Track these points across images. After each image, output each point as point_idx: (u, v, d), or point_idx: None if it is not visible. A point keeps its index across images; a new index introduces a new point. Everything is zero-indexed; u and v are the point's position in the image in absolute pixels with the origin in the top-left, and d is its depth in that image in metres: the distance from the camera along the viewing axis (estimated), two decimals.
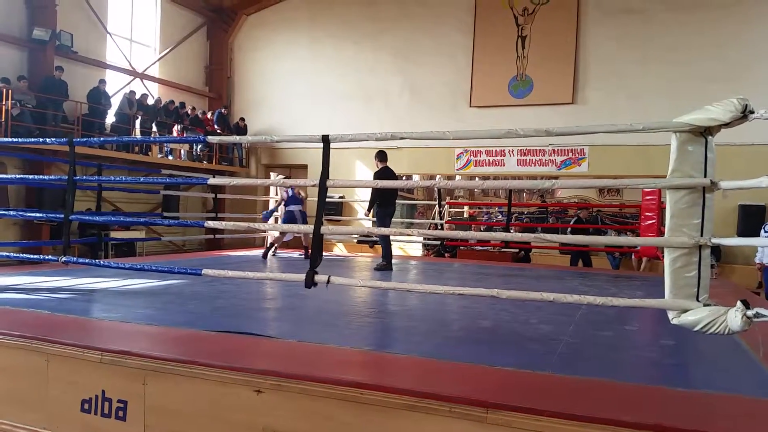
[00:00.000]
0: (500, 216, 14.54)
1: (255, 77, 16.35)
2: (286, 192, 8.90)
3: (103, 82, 12.82)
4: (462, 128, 11.75)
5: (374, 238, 8.03)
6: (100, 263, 4.98)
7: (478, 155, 13.98)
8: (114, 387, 2.89)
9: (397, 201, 8.19)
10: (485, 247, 11.88)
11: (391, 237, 8.73)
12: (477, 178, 14.29)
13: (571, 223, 11.02)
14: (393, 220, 8.07)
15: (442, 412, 2.29)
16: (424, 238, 11.65)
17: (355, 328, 3.91)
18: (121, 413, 2.88)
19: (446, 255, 11.57)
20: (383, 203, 7.56)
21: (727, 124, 2.67)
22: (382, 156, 7.62)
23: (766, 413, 2.21)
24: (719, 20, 12.13)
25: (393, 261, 7.89)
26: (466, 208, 17.71)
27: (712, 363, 3.22)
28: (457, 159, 14.09)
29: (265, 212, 9.54)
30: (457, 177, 14.83)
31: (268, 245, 9.35)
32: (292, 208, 8.77)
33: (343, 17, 15.27)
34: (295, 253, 9.80)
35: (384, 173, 7.53)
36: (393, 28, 14.71)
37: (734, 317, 2.55)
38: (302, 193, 9.13)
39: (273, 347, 3.16)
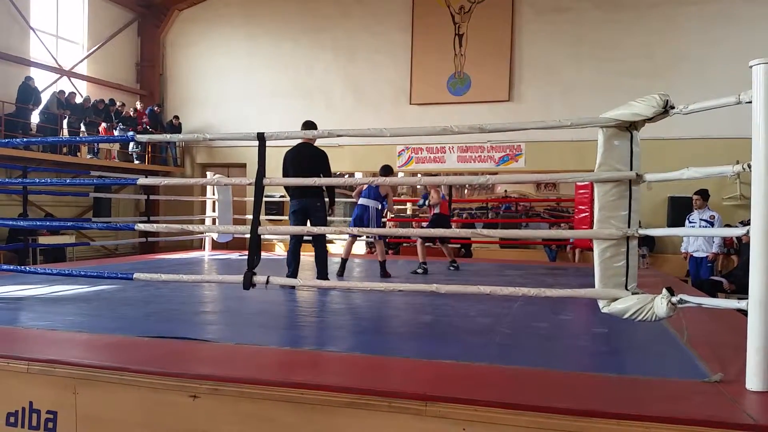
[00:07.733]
0: None
1: (189, 74, 15.94)
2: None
3: (30, 78, 12.20)
4: (403, 125, 11.85)
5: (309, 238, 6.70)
6: (26, 269, 4.76)
7: (419, 152, 14.11)
8: (42, 398, 2.75)
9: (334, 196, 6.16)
10: (427, 244, 11.98)
11: (331, 235, 8.33)
12: (419, 175, 14.41)
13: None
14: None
15: (381, 407, 2.29)
16: (367, 236, 11.64)
17: (296, 329, 3.87)
18: (50, 425, 2.75)
19: (389, 252, 11.62)
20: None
21: (650, 119, 2.77)
22: (305, 125, 5.60)
23: (690, 394, 2.32)
24: (646, 18, 12.68)
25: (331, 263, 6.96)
26: (408, 204, 17.82)
27: (641, 349, 3.35)
28: (398, 156, 14.17)
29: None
30: (400, 174, 14.91)
31: (343, 257, 7.09)
32: (366, 202, 6.93)
33: (280, 14, 15.09)
34: (234, 254, 9.61)
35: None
36: (333, 26, 14.66)
37: (660, 304, 2.66)
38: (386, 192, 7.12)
39: (209, 351, 3.08)
